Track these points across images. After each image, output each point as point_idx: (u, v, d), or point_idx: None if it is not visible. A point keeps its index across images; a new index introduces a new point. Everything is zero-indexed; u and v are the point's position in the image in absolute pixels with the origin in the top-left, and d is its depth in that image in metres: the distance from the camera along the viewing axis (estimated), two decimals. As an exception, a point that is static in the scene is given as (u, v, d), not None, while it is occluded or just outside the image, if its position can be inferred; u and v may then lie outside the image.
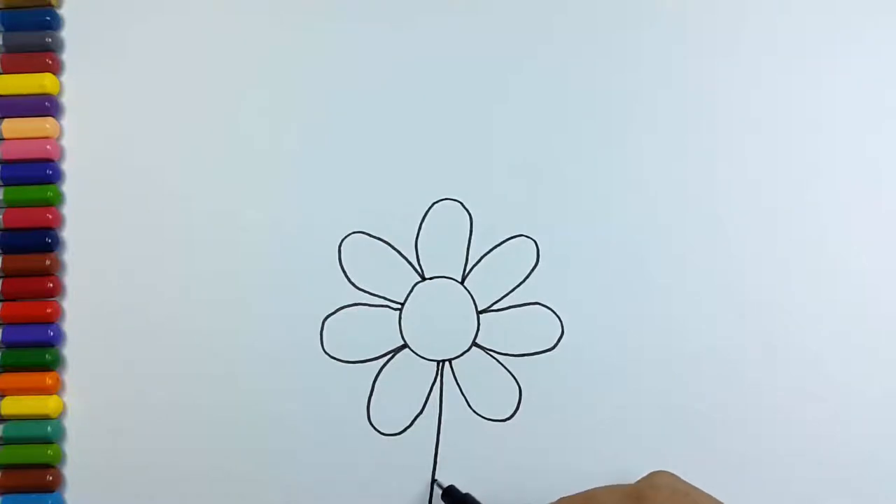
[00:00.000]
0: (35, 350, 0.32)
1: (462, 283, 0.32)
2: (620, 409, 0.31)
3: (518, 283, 0.32)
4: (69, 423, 0.32)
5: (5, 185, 0.33)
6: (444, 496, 0.31)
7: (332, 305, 0.32)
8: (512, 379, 0.32)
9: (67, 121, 0.34)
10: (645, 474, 0.28)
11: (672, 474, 0.27)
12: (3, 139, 0.33)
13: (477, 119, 0.33)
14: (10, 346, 0.32)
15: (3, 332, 0.32)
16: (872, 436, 0.31)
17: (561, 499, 0.27)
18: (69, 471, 0.32)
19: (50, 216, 0.33)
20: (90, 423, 0.32)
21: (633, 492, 0.26)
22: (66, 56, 0.34)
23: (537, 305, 0.32)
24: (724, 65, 0.32)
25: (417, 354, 0.32)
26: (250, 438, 0.32)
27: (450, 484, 0.31)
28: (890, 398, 0.31)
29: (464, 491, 0.31)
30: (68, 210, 0.33)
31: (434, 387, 0.32)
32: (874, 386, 0.31)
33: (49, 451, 0.32)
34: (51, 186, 0.33)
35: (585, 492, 0.27)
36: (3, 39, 0.34)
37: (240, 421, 0.32)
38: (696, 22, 0.33)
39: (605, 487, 0.27)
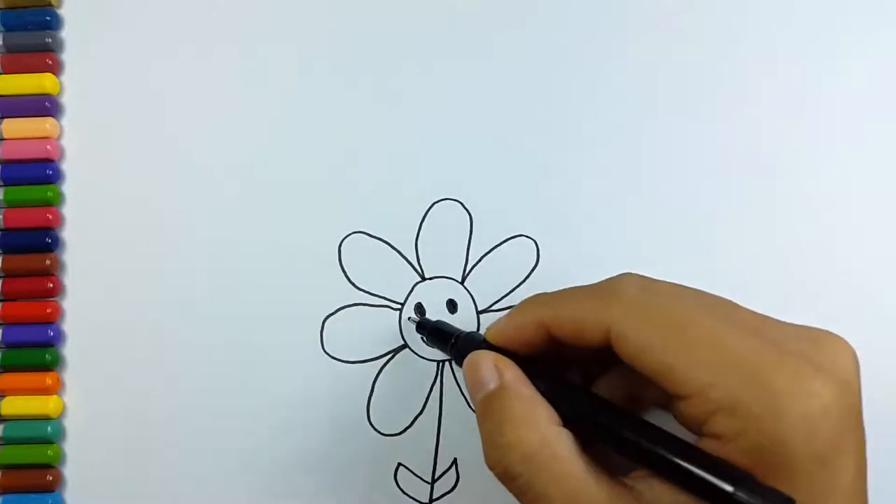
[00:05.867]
0: (35, 350, 0.32)
1: (462, 283, 0.32)
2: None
3: (518, 283, 0.32)
4: (69, 423, 0.32)
5: (5, 185, 0.33)
6: (419, 328, 0.31)
7: (332, 305, 0.32)
8: (512, 379, 0.31)
9: (67, 121, 0.34)
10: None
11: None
12: (3, 139, 0.33)
13: (477, 119, 0.33)
14: (10, 346, 0.32)
15: (3, 332, 0.32)
16: (874, 435, 0.31)
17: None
18: (69, 471, 0.32)
19: (50, 216, 0.33)
20: (90, 423, 0.32)
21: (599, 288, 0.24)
22: (66, 56, 0.34)
23: (537, 305, 0.32)
24: (726, 64, 0.32)
25: (417, 354, 0.32)
26: (250, 438, 0.32)
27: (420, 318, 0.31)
28: (891, 397, 0.31)
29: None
30: (68, 210, 0.33)
31: (434, 387, 0.32)
32: (875, 386, 0.31)
33: (49, 452, 0.32)
34: (51, 186, 0.33)
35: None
36: (3, 39, 0.34)
37: (239, 421, 0.32)
38: (696, 23, 0.33)
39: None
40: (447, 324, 0.30)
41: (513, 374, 0.25)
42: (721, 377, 0.21)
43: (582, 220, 0.32)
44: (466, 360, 0.26)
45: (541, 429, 0.23)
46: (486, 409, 0.25)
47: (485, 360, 0.25)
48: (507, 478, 0.23)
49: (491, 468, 0.24)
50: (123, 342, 0.32)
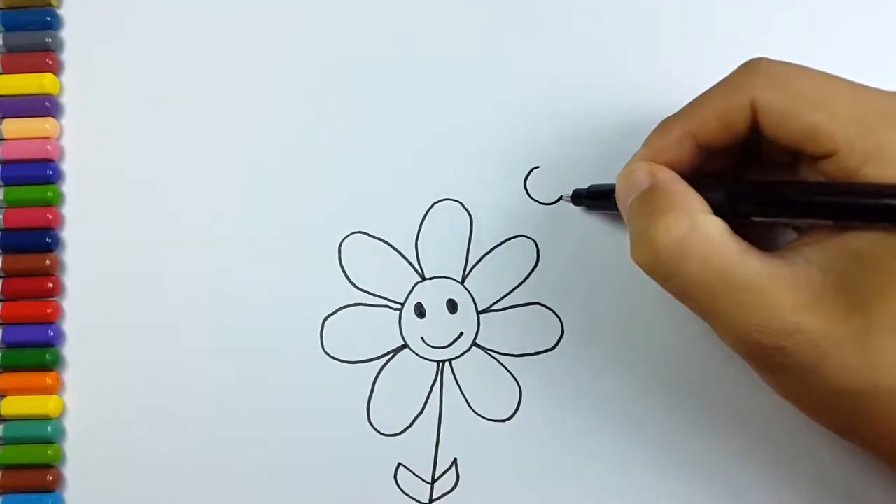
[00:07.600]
0: (35, 350, 0.32)
1: (462, 283, 0.32)
2: (621, 410, 0.31)
3: (518, 283, 0.32)
4: (69, 423, 0.32)
5: (5, 185, 0.33)
6: (576, 199, 0.31)
7: (332, 305, 0.32)
8: (512, 379, 0.32)
9: (67, 121, 0.34)
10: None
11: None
12: (3, 139, 0.33)
13: (477, 119, 0.33)
14: (10, 346, 0.32)
15: (3, 332, 0.32)
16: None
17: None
18: (69, 471, 0.32)
19: (50, 216, 0.33)
20: (90, 423, 0.32)
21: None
22: (66, 56, 0.34)
23: (537, 305, 0.32)
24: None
25: (417, 355, 0.32)
26: (250, 438, 0.32)
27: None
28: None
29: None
30: (68, 210, 0.33)
31: (434, 387, 0.32)
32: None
33: (49, 451, 0.32)
34: (51, 186, 0.33)
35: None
36: (3, 39, 0.34)
37: (239, 421, 0.32)
38: (698, 28, 0.33)
39: None
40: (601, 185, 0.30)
41: (667, 174, 0.25)
42: (868, 127, 0.22)
43: (582, 220, 0.32)
44: (621, 172, 0.27)
45: (692, 215, 0.23)
46: (638, 205, 0.25)
47: (641, 166, 0.26)
48: (656, 266, 0.24)
49: (638, 262, 0.24)
50: (123, 342, 0.32)
